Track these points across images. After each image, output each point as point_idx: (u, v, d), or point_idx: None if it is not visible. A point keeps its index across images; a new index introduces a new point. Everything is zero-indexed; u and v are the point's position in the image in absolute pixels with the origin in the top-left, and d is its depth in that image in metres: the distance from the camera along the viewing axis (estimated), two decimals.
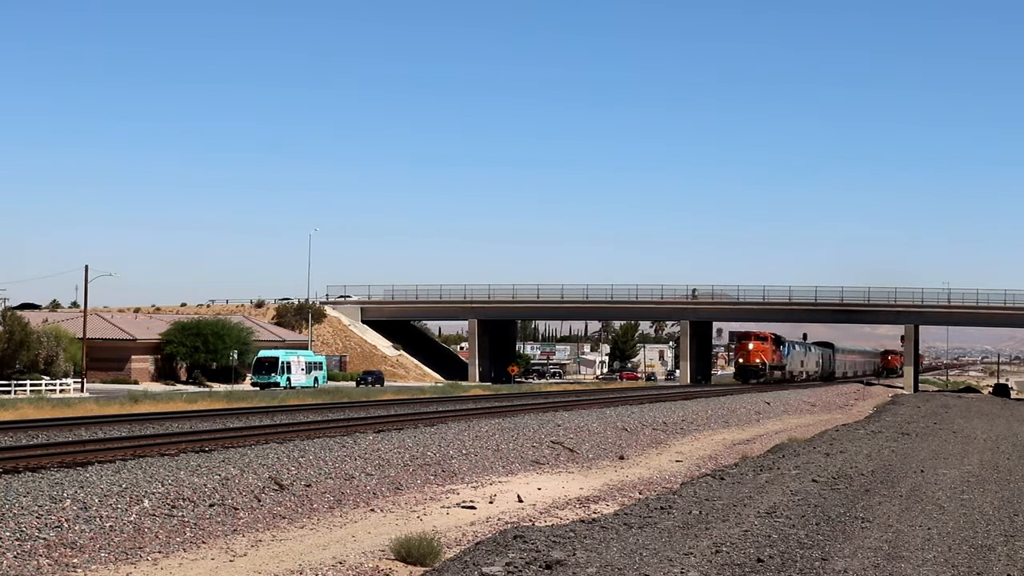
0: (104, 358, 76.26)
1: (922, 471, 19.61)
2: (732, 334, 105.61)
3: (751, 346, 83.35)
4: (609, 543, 11.50)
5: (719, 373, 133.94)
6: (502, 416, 31.95)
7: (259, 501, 15.89)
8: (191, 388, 69.18)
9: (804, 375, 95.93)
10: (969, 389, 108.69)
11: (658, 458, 26.58)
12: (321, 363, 79.66)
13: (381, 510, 16.67)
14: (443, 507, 17.19)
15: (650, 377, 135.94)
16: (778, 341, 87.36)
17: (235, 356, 76.45)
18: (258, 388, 67.38)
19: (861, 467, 19.97)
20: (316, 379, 76.07)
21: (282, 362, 72.97)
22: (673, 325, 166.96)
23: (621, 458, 25.94)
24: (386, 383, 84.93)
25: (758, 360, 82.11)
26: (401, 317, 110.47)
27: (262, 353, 74.76)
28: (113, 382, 73.24)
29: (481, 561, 10.58)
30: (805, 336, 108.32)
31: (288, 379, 72.12)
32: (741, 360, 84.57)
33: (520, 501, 18.10)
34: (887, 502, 15.23)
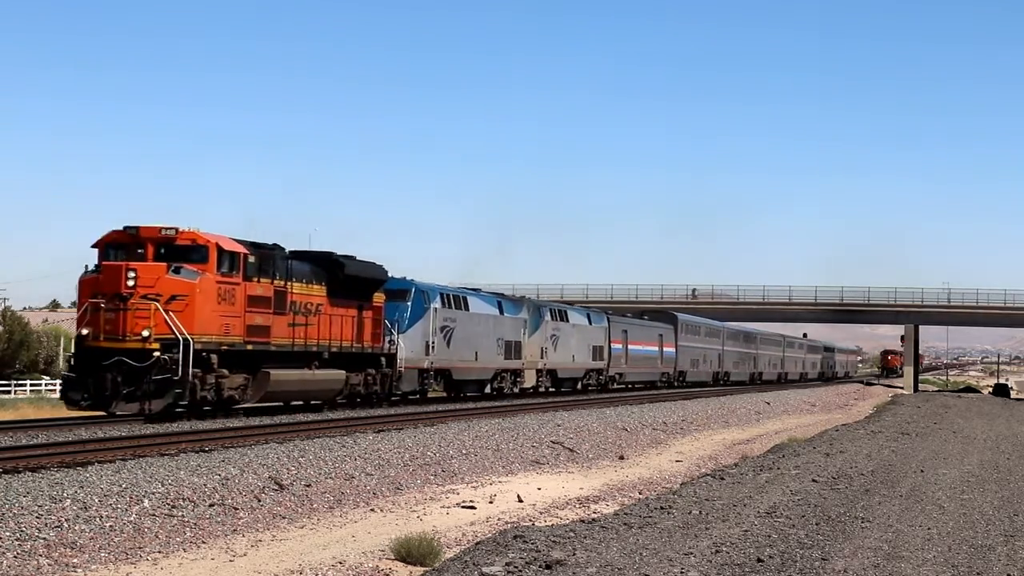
0: None
1: (922, 471, 19.60)
2: None
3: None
4: (609, 543, 11.49)
5: None
6: (502, 416, 31.91)
7: (259, 501, 15.89)
8: None
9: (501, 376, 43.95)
10: (969, 389, 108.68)
11: (658, 458, 26.59)
12: None
13: (381, 510, 16.66)
14: (443, 507, 17.19)
15: None
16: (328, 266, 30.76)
17: None
18: None
19: (861, 467, 19.96)
20: None
21: None
22: None
23: (621, 458, 25.94)
24: None
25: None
26: None
27: None
28: None
29: (481, 561, 10.58)
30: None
31: None
32: None
33: (520, 501, 18.10)
34: (887, 502, 15.23)
